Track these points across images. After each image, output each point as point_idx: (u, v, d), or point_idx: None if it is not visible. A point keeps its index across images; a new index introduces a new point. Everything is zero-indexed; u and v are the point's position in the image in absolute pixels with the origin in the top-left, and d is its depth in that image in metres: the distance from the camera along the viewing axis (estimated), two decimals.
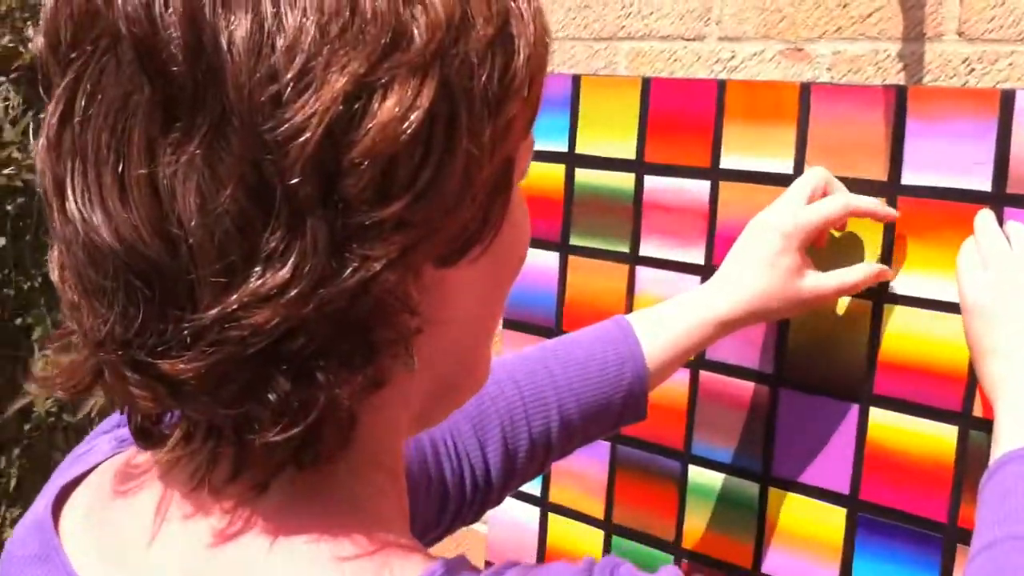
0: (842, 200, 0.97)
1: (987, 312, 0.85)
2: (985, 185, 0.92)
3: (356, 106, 0.46)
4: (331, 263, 0.47)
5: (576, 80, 1.19)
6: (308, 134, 0.46)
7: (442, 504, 0.86)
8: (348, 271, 0.47)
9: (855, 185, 1.00)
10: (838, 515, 1.01)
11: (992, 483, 0.77)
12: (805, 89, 1.03)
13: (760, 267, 0.96)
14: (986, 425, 0.92)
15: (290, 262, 0.47)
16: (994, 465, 0.79)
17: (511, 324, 1.26)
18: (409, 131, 0.47)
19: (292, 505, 0.53)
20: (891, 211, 0.97)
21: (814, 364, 1.03)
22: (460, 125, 0.49)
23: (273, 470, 0.52)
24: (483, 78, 0.49)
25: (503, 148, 0.52)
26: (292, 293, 0.47)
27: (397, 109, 0.47)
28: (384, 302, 0.49)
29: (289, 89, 0.46)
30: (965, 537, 0.92)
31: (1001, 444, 0.80)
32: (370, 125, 0.46)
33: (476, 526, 1.36)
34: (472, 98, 0.49)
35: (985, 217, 0.91)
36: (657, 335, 0.96)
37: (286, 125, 0.46)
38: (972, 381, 0.93)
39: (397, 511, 0.57)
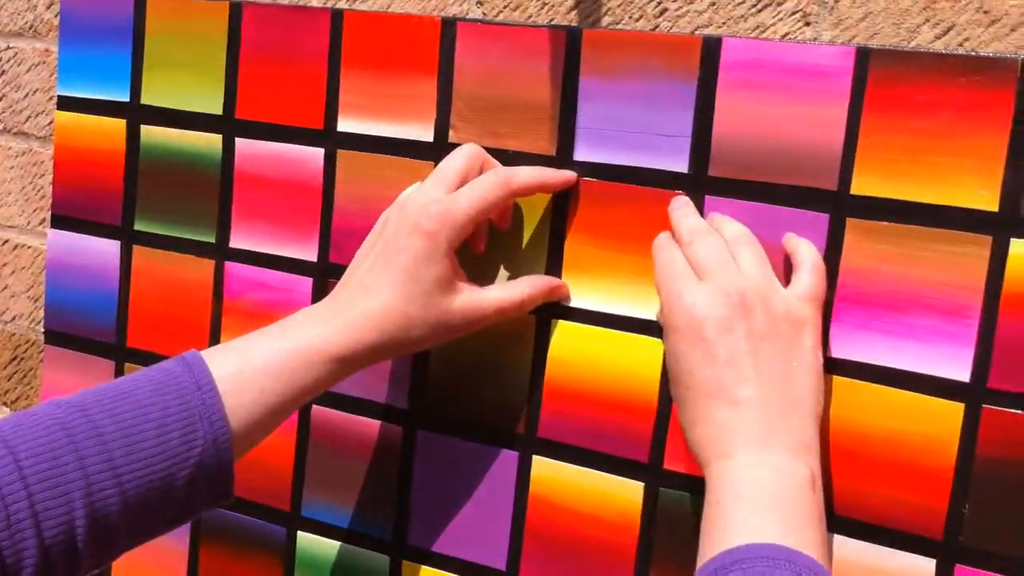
0: (501, 177, 0.71)
1: (709, 338, 0.62)
2: (681, 165, 0.69)
3: None
4: None
5: (139, 1, 0.85)
6: None
7: None
8: None
9: (514, 162, 0.74)
10: None
11: None
12: (449, 27, 0.76)
13: (395, 281, 0.68)
14: (682, 482, 0.70)
15: None
16: (713, 563, 0.56)
17: (55, 337, 0.91)
18: None
19: None
20: (564, 174, 0.72)
21: (461, 397, 0.77)
22: None
23: None
24: None
25: None
26: None
27: None
28: None
29: None
30: None
31: (729, 528, 0.57)
32: None
33: None
34: None
35: (683, 208, 0.69)
36: (246, 381, 0.66)
37: None
38: (662, 423, 0.71)
39: None
